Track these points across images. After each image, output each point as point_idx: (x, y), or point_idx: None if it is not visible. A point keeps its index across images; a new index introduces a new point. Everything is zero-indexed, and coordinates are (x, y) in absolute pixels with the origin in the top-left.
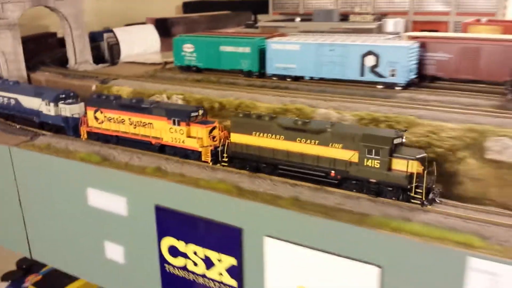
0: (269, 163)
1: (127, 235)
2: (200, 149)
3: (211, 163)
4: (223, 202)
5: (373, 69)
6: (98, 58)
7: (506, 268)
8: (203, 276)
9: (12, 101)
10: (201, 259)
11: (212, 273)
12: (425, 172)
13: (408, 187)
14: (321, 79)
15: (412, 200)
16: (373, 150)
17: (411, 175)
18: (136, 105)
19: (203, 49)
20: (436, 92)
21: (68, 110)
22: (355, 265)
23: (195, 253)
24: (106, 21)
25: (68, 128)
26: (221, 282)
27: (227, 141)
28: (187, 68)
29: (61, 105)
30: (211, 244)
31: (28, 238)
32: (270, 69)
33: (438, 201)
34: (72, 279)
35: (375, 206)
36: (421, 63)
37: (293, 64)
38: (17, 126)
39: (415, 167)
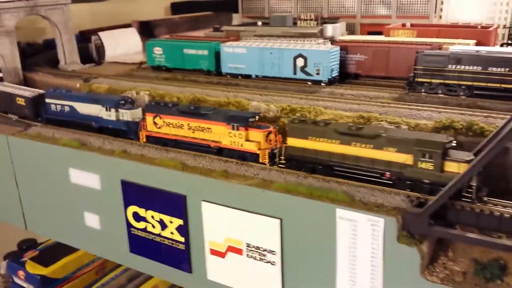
0: (325, 165)
1: (101, 205)
2: (258, 152)
3: (268, 165)
4: (171, 176)
5: (302, 69)
6: (87, 58)
7: (362, 216)
8: (159, 235)
9: (67, 108)
10: (157, 221)
11: (165, 233)
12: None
13: None
14: (265, 77)
15: (463, 199)
16: (427, 154)
17: None
18: (195, 111)
19: (170, 52)
20: (353, 87)
21: (130, 115)
22: (264, 219)
23: (152, 217)
24: (99, 22)
25: (130, 131)
26: (173, 239)
27: (283, 144)
28: (158, 68)
29: (121, 110)
30: (164, 209)
31: (24, 213)
32: (224, 69)
33: (486, 199)
34: (64, 254)
35: (280, 175)
36: (344, 63)
37: (242, 64)
38: (14, 119)
39: (465, 169)
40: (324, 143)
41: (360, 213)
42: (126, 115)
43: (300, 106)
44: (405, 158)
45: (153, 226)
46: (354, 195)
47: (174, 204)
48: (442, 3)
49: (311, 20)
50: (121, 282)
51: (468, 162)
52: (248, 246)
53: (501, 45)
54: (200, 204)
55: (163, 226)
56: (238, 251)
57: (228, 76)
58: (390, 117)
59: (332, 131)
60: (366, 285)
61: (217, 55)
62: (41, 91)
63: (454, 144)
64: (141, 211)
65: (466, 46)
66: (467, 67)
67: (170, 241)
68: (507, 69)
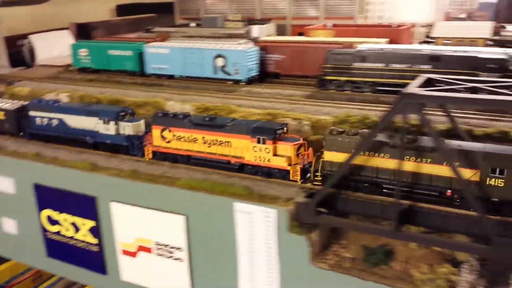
0: (371, 183)
1: (18, 210)
2: (288, 168)
3: (300, 182)
4: (81, 177)
5: (222, 68)
6: (22, 61)
7: (256, 208)
8: (73, 238)
9: (55, 122)
10: (71, 224)
11: (79, 235)
12: None
13: None
14: (188, 77)
15: None
16: (497, 169)
17: None
18: (211, 123)
19: (95, 53)
20: (270, 86)
21: (131, 128)
22: (170, 216)
23: (65, 220)
24: (41, 25)
25: (133, 147)
26: (86, 241)
27: (320, 159)
28: (84, 70)
29: (122, 123)
30: (76, 211)
31: None
32: (148, 69)
33: None
34: None
35: (187, 172)
36: (265, 63)
37: (165, 65)
38: None
39: None
40: (371, 157)
41: (255, 205)
42: (128, 128)
43: (213, 105)
44: (471, 174)
45: (67, 229)
46: (253, 188)
47: (85, 206)
48: (367, 4)
49: (238, 21)
50: None
51: None
52: (157, 244)
53: (420, 43)
54: (109, 205)
55: (76, 228)
56: (148, 250)
57: (153, 77)
58: (295, 113)
59: (380, 144)
60: (263, 275)
61: (141, 56)
62: (24, 103)
63: None
64: (55, 215)
65: (375, 44)
66: (371, 64)
67: (83, 243)
68: (407, 65)
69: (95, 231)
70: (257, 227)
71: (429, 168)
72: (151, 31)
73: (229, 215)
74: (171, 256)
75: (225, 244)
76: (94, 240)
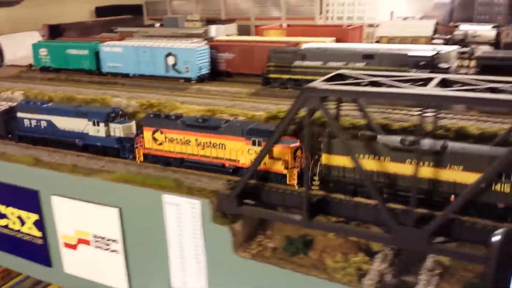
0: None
1: None
2: (285, 172)
3: (297, 187)
4: (25, 171)
5: (173, 67)
6: None
7: (183, 200)
8: (19, 231)
9: (43, 123)
10: (17, 217)
11: (24, 228)
12: None
13: None
14: (141, 75)
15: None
16: (504, 174)
17: None
18: (204, 124)
19: (54, 52)
20: (220, 84)
21: (122, 130)
22: (106, 209)
23: (12, 214)
24: (19, 27)
25: (124, 149)
26: (31, 234)
27: (318, 163)
28: (46, 69)
29: (112, 124)
30: (21, 205)
31: None
32: (104, 68)
33: None
34: None
35: (124, 166)
36: (216, 61)
37: (119, 63)
38: None
39: None
40: (371, 160)
41: (182, 197)
42: (118, 130)
43: (158, 102)
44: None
45: (14, 223)
46: (183, 181)
47: (29, 200)
48: (327, 5)
49: (197, 21)
50: (26, 286)
51: None
52: (94, 237)
53: (376, 42)
54: (51, 198)
55: (22, 222)
56: (87, 243)
57: (109, 75)
58: (233, 109)
59: (382, 146)
60: (193, 264)
61: (97, 55)
62: (12, 104)
63: None
64: (2, 208)
65: (320, 43)
66: (310, 63)
67: (29, 236)
68: (343, 62)
69: (39, 224)
70: (184, 218)
71: (432, 172)
72: (114, 31)
73: (159, 207)
74: (108, 249)
75: (157, 235)
76: (38, 233)
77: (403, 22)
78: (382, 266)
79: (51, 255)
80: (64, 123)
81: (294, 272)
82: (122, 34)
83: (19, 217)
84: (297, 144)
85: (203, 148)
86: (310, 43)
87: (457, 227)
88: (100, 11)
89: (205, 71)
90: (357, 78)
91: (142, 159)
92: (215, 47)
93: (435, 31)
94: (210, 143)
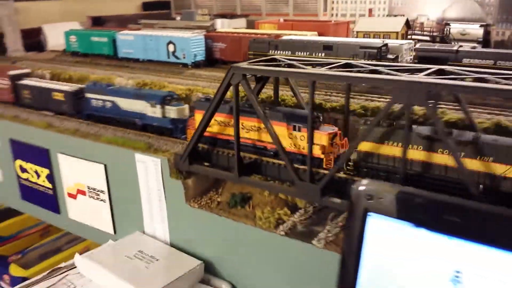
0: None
1: (2, 161)
2: (322, 156)
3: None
4: (39, 133)
5: (173, 53)
6: (40, 47)
7: (149, 158)
8: (36, 183)
9: (108, 104)
10: (34, 172)
11: (40, 181)
12: None
13: None
14: (149, 60)
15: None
16: None
17: None
18: (250, 109)
19: (81, 39)
20: (212, 70)
21: (176, 112)
22: (95, 165)
23: (31, 168)
24: (71, 18)
25: (176, 130)
26: (45, 186)
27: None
28: (75, 53)
29: (167, 107)
30: (37, 161)
31: None
32: (120, 54)
33: None
34: (10, 216)
35: (124, 133)
36: (212, 50)
37: (132, 49)
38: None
39: None
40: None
41: (148, 156)
42: (173, 112)
43: (151, 81)
44: (506, 169)
45: (32, 176)
46: (153, 144)
47: (42, 156)
48: (333, 2)
49: (206, 15)
50: (60, 243)
51: None
52: (88, 188)
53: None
54: (57, 156)
55: (38, 175)
56: (84, 193)
57: (123, 60)
58: (208, 89)
59: (415, 134)
60: (158, 213)
61: (114, 42)
62: (81, 86)
63: None
64: (24, 164)
65: (299, 36)
66: (281, 52)
67: (43, 187)
68: (307, 53)
69: (50, 177)
70: (150, 174)
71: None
72: (138, 23)
73: (133, 164)
74: (98, 198)
75: (132, 188)
76: (49, 185)
77: (379, 19)
78: (298, 218)
79: (59, 204)
80: (126, 104)
81: (227, 219)
82: (145, 26)
83: (36, 171)
84: (335, 131)
85: (248, 132)
86: (289, 35)
87: (345, 185)
88: (146, 5)
89: (200, 58)
90: (290, 60)
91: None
92: (211, 38)
93: (412, 27)
94: (255, 126)
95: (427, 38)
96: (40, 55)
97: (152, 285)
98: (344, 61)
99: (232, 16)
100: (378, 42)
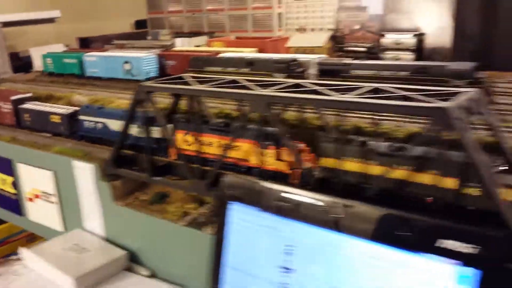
0: (361, 189)
1: None
2: (288, 172)
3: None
4: (3, 146)
5: (129, 71)
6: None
7: (84, 165)
8: (3, 190)
9: (99, 125)
10: (2, 179)
11: (6, 187)
12: None
13: None
14: (110, 78)
15: None
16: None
17: None
18: (224, 128)
19: (55, 61)
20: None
21: (159, 131)
22: (47, 172)
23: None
24: (63, 40)
25: (160, 149)
26: (10, 192)
27: (316, 164)
28: (51, 74)
29: (152, 127)
30: (3, 170)
31: None
32: (87, 73)
33: None
34: None
35: (63, 143)
36: (165, 67)
37: (96, 69)
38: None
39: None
40: (362, 164)
41: (83, 162)
42: (156, 132)
43: (102, 97)
44: (450, 182)
45: (1, 183)
46: (90, 152)
47: (7, 166)
48: (287, 19)
49: (167, 35)
50: None
51: None
52: (42, 192)
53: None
54: (17, 165)
55: (4, 182)
56: (39, 197)
57: (90, 79)
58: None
59: (370, 151)
60: (94, 210)
61: (82, 63)
62: (76, 108)
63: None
64: None
65: (237, 53)
66: (214, 68)
67: (9, 193)
68: (235, 68)
69: (14, 184)
70: (86, 178)
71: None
72: (111, 43)
73: (72, 170)
74: (49, 200)
75: (74, 190)
76: (14, 191)
77: (307, 35)
78: (202, 211)
79: (21, 207)
80: (115, 125)
81: (146, 215)
82: (117, 46)
83: (3, 179)
84: (301, 147)
85: (224, 150)
86: (227, 52)
87: None
88: (138, 24)
89: (153, 74)
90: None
91: (175, 158)
92: (164, 56)
93: (337, 41)
94: (229, 145)
95: (363, 49)
96: (24, 76)
97: (78, 270)
98: (231, 78)
99: (197, 34)
100: (288, 57)
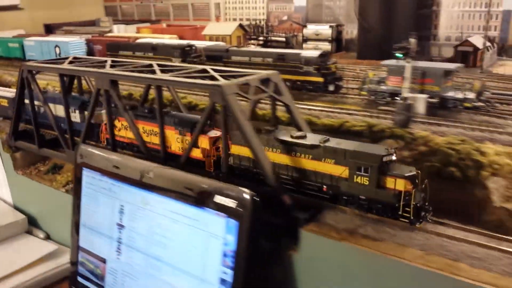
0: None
1: None
2: (204, 159)
3: (214, 174)
4: None
5: (59, 54)
6: None
7: None
8: None
9: (42, 109)
10: None
11: None
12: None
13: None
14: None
15: (401, 219)
16: (362, 168)
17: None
18: (147, 114)
19: (2, 46)
20: None
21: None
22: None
23: None
24: (35, 26)
25: (93, 134)
26: None
27: (229, 152)
28: (1, 57)
29: (86, 112)
30: None
31: None
32: (27, 56)
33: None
34: None
35: None
36: (93, 51)
37: (34, 53)
38: None
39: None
40: (266, 151)
41: None
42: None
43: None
44: (342, 171)
45: None
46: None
47: None
48: (226, 9)
49: (107, 22)
50: None
51: (407, 178)
52: None
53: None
54: None
55: None
56: None
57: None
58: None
59: (273, 139)
60: (2, 179)
61: (23, 47)
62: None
63: (394, 158)
64: None
65: (157, 38)
66: (126, 52)
67: None
68: (143, 53)
69: None
70: None
71: (311, 164)
72: (61, 29)
73: None
74: None
75: None
76: None
77: (220, 24)
78: None
79: None
80: (57, 109)
81: (35, 182)
82: (66, 31)
83: None
84: (218, 135)
85: (148, 136)
86: (142, 38)
87: None
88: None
89: None
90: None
91: (105, 143)
92: (92, 41)
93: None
94: (153, 131)
95: (283, 39)
96: None
97: None
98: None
99: (144, 21)
100: (185, 43)
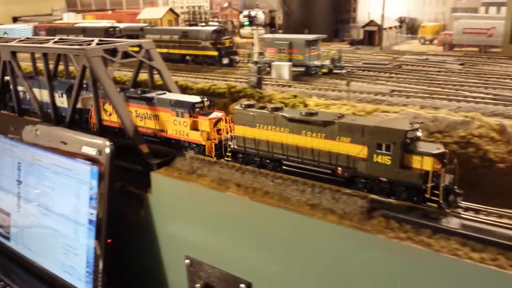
0: (275, 160)
1: None
2: (204, 143)
3: (215, 158)
4: None
5: None
6: None
7: None
8: None
9: (27, 95)
10: None
11: None
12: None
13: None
14: None
15: (429, 203)
16: (383, 145)
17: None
18: (141, 96)
19: None
20: None
21: (80, 101)
22: None
23: None
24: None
25: (81, 119)
26: None
27: (231, 134)
28: None
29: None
30: None
31: None
32: None
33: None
34: None
35: None
36: (38, 35)
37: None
38: None
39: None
40: (273, 132)
41: None
42: (78, 102)
43: None
44: (359, 150)
45: None
46: None
47: None
48: None
49: (58, 10)
50: None
51: (435, 156)
52: None
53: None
54: None
55: None
56: None
57: None
58: None
59: (281, 117)
60: None
61: None
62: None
63: (419, 134)
64: None
65: (94, 23)
66: (70, 36)
67: None
68: (74, 35)
69: None
70: None
71: (323, 144)
72: (20, 19)
73: None
74: None
75: None
76: None
77: (154, 9)
78: None
79: None
80: (41, 94)
81: None
82: (24, 21)
83: None
84: (218, 116)
85: (142, 120)
86: (82, 22)
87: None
88: None
89: None
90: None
91: (95, 129)
92: (38, 28)
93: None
94: (147, 114)
95: (217, 23)
96: None
97: None
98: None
99: (100, 10)
100: (108, 25)
